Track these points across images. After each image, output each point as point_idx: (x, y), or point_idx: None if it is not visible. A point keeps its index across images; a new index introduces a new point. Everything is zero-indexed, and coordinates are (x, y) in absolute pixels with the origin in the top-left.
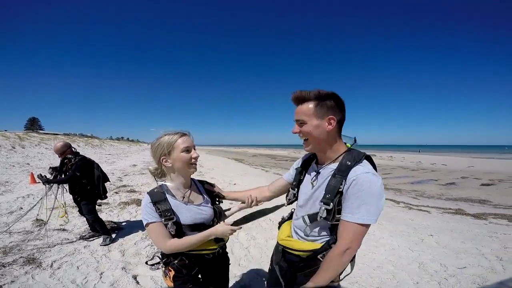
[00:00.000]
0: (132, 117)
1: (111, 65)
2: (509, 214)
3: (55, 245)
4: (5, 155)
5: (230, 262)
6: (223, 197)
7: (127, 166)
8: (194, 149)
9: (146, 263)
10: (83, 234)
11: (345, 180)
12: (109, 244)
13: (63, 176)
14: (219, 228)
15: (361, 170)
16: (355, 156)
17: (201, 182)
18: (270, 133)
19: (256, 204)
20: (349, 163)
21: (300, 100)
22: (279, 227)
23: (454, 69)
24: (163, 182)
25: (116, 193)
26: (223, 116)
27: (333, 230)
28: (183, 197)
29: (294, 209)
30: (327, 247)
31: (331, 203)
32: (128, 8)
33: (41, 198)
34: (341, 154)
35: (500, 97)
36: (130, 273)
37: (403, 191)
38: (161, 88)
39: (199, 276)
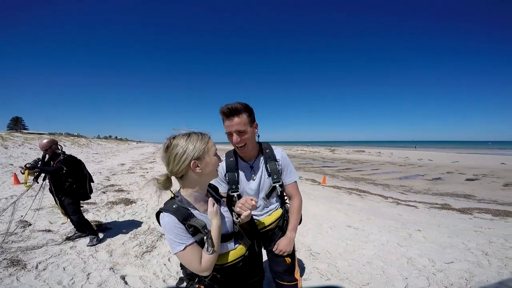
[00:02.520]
0: (120, 116)
1: (97, 62)
2: (493, 208)
3: (40, 246)
4: None
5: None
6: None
7: (115, 165)
8: None
9: (176, 285)
10: (69, 235)
11: (277, 162)
12: (96, 244)
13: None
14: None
15: (278, 150)
16: (266, 145)
17: (209, 185)
18: (263, 131)
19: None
20: (268, 151)
21: (234, 112)
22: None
23: (439, 67)
24: (176, 193)
25: (104, 192)
26: (214, 112)
27: (279, 196)
28: (205, 209)
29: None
30: (284, 208)
31: (280, 180)
32: (112, 4)
33: (17, 199)
34: (258, 149)
35: (485, 94)
36: (118, 273)
37: (391, 186)
38: (150, 86)
39: None
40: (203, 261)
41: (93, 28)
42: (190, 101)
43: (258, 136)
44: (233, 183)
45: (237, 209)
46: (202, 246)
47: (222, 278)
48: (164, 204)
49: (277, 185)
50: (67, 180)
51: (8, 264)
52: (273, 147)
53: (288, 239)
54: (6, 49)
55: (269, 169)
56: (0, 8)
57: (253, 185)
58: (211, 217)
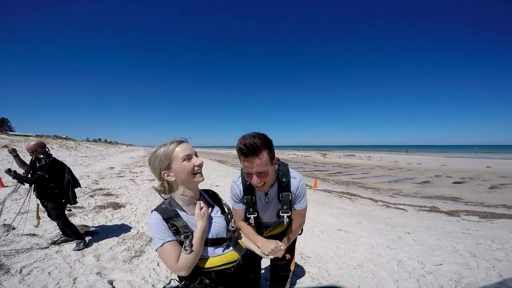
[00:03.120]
0: (110, 119)
1: (88, 64)
2: (479, 210)
3: (24, 251)
4: None
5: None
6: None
7: (104, 168)
8: (196, 156)
9: None
10: (55, 239)
11: (291, 193)
12: (82, 248)
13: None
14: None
15: (294, 182)
16: (284, 172)
17: (206, 191)
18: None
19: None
20: (285, 180)
21: (255, 152)
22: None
23: (428, 70)
24: (169, 197)
25: (92, 196)
26: (205, 117)
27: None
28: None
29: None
30: (290, 218)
31: (289, 211)
32: (103, 4)
33: (5, 198)
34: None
35: (472, 100)
36: (105, 278)
37: (381, 190)
38: (141, 89)
39: None
40: (180, 260)
41: (84, 29)
42: (183, 104)
43: (278, 159)
44: (250, 206)
45: (265, 252)
46: (181, 244)
47: (211, 284)
48: (157, 206)
49: (285, 216)
50: (49, 185)
51: None
52: (291, 174)
53: (279, 244)
54: None
55: (281, 198)
56: None
57: (267, 211)
58: (197, 219)
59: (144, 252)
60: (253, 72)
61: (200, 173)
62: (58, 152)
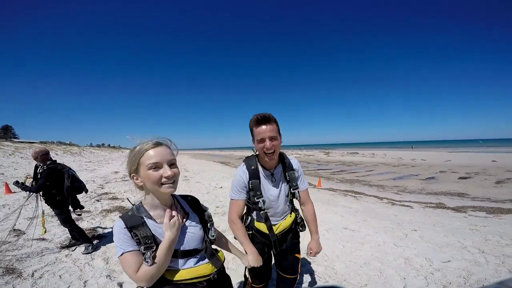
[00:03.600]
0: (113, 123)
1: (89, 69)
2: (486, 206)
3: (35, 255)
4: None
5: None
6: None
7: (108, 173)
8: (172, 165)
9: None
10: (64, 243)
11: (295, 171)
12: (91, 252)
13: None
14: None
15: (294, 160)
16: (284, 155)
17: (184, 197)
18: None
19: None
20: (287, 161)
21: (267, 120)
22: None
23: (430, 65)
24: (139, 202)
25: (98, 200)
26: (209, 119)
27: (291, 201)
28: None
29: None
30: (295, 211)
31: (298, 186)
32: (108, 9)
33: (22, 205)
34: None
35: (475, 93)
36: (115, 280)
37: (386, 187)
38: (144, 93)
39: None
40: (140, 271)
41: (85, 34)
42: (184, 106)
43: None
44: (257, 190)
45: (250, 264)
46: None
47: None
48: (124, 212)
49: (296, 192)
50: (51, 192)
51: (3, 272)
52: (289, 157)
53: (316, 241)
54: None
55: (287, 177)
56: None
57: (274, 192)
58: (165, 229)
59: None
60: (254, 72)
61: (170, 183)
62: (62, 158)
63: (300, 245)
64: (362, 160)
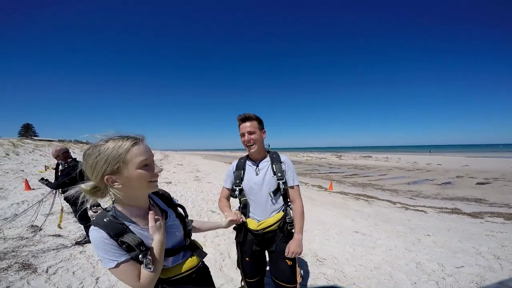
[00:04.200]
0: (127, 123)
1: (108, 71)
2: (505, 212)
3: (50, 251)
4: None
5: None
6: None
7: None
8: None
9: None
10: (79, 240)
11: (282, 163)
12: None
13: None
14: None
15: (284, 156)
16: (273, 152)
17: (155, 193)
18: (273, 135)
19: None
20: (275, 156)
21: (248, 119)
22: (245, 223)
23: (448, 69)
24: (111, 207)
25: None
26: (220, 121)
27: (283, 198)
28: (146, 222)
29: (243, 210)
30: (285, 211)
31: (284, 178)
32: (128, 12)
33: (41, 200)
34: (265, 154)
35: (496, 96)
36: None
37: (399, 191)
38: (159, 93)
39: None
40: (142, 278)
41: (101, 34)
42: (195, 107)
43: (269, 145)
44: (237, 179)
45: (228, 219)
46: (140, 262)
47: None
48: (96, 216)
49: (281, 182)
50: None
51: (19, 267)
52: (281, 154)
53: (297, 241)
54: (13, 56)
55: (274, 169)
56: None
57: (257, 180)
58: (153, 232)
59: None
60: (265, 74)
61: (156, 181)
62: (79, 156)
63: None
64: (376, 164)
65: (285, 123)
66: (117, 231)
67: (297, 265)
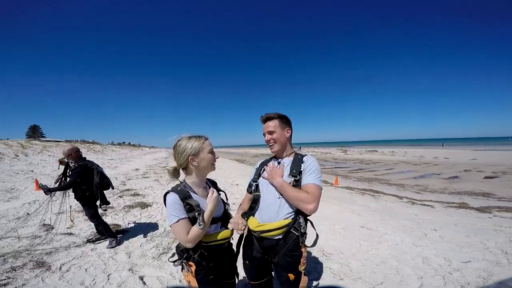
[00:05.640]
0: (133, 122)
1: (112, 71)
2: None
3: (63, 249)
4: (8, 163)
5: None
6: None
7: (129, 170)
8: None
9: (169, 260)
10: (90, 238)
11: (303, 162)
12: (115, 246)
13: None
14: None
15: (309, 157)
16: (301, 153)
17: (209, 180)
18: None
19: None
20: (300, 157)
21: (269, 118)
22: (246, 219)
23: (457, 64)
24: (183, 181)
25: (120, 197)
26: (224, 117)
27: (297, 210)
28: (203, 194)
29: (253, 205)
30: (295, 220)
31: (298, 176)
32: (129, 12)
33: (42, 203)
34: (292, 153)
35: (505, 89)
36: (137, 274)
37: (406, 186)
38: (163, 92)
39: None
40: (190, 234)
41: (106, 33)
42: (202, 107)
43: (300, 147)
44: (257, 174)
45: (230, 226)
46: (193, 223)
47: (208, 256)
48: (172, 188)
49: (292, 179)
50: (81, 188)
51: (34, 265)
52: (306, 156)
53: (278, 173)
54: (17, 54)
55: (291, 167)
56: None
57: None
58: (208, 201)
59: (171, 249)
60: (265, 72)
61: (215, 164)
62: (86, 156)
63: (304, 268)
64: (381, 158)
65: (291, 118)
66: (184, 195)
67: (302, 276)
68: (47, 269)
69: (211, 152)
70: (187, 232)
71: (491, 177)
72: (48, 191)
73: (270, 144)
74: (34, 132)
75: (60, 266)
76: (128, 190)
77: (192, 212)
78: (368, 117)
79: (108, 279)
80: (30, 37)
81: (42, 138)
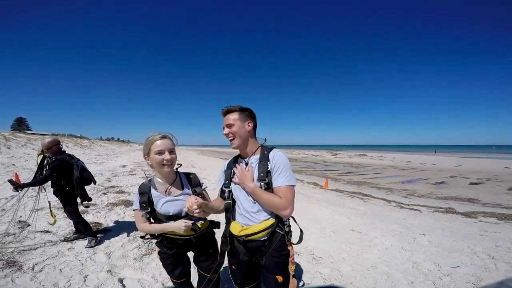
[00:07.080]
0: (123, 118)
1: (101, 64)
2: (497, 212)
3: (37, 247)
4: None
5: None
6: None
7: (116, 166)
8: (171, 152)
9: (141, 237)
10: (67, 236)
11: (269, 161)
12: (94, 246)
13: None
14: (173, 225)
15: (275, 151)
16: (267, 147)
17: (187, 174)
18: (269, 132)
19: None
20: (266, 152)
21: (229, 111)
22: (227, 221)
23: (443, 70)
24: (153, 176)
25: (104, 194)
26: (215, 117)
27: None
28: (165, 190)
29: (227, 215)
30: (278, 218)
31: (266, 178)
32: (118, 6)
33: (20, 199)
34: (258, 148)
35: (490, 98)
36: (116, 276)
37: (394, 190)
38: (155, 89)
39: (188, 254)
40: (141, 225)
41: (95, 29)
42: (190, 104)
43: (265, 140)
44: (227, 179)
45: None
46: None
47: (168, 245)
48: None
49: (262, 183)
50: (60, 183)
51: (4, 265)
52: (274, 149)
53: (248, 175)
54: (9, 48)
55: (260, 170)
56: (2, 7)
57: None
58: (176, 225)
59: (155, 250)
60: (257, 73)
61: (168, 165)
62: (72, 150)
63: (293, 269)
64: (370, 162)
65: (280, 120)
66: (142, 190)
67: (290, 279)
68: (18, 269)
69: (159, 153)
70: (139, 221)
71: (476, 183)
72: (19, 187)
73: (230, 139)
74: (20, 125)
75: (33, 266)
76: (113, 187)
77: (142, 207)
78: (359, 122)
79: (85, 281)
80: (19, 31)
81: (27, 131)
